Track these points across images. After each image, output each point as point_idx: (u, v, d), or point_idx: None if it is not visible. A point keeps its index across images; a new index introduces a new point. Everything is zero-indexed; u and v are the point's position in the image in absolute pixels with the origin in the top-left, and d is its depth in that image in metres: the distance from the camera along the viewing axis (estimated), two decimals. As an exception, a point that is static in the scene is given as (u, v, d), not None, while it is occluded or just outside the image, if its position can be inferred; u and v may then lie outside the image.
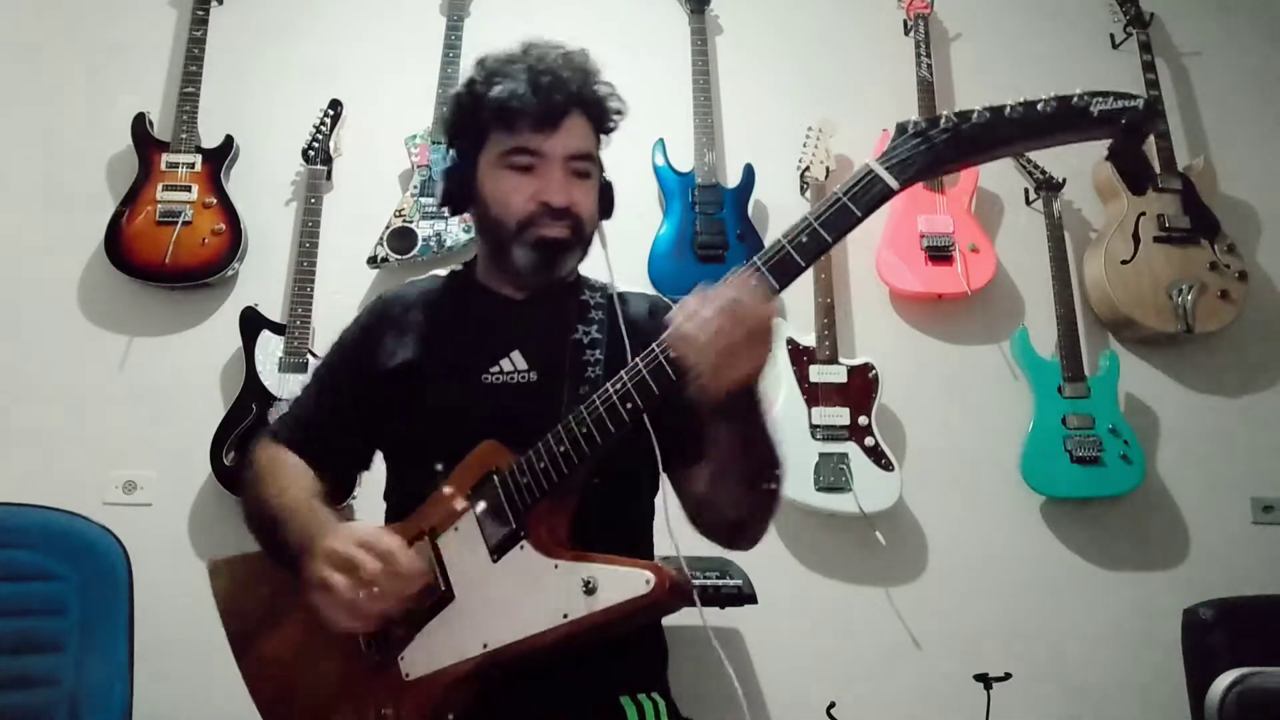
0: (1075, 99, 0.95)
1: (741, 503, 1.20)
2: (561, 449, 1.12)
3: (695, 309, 1.04)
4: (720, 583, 2.17)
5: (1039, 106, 0.96)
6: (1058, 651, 2.52)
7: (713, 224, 2.57)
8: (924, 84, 2.72)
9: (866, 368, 2.53)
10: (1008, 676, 2.25)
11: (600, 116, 1.30)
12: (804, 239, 1.04)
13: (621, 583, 1.08)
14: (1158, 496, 2.65)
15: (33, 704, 1.72)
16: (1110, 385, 2.60)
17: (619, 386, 1.09)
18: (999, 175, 2.79)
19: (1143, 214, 2.69)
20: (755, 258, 1.06)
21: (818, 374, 2.49)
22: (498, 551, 1.15)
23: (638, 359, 1.09)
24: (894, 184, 1.00)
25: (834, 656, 2.47)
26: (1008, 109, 0.97)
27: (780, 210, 2.69)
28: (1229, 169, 2.88)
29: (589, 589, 1.08)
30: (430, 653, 1.15)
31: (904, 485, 2.48)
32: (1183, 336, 2.63)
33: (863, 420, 2.48)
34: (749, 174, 2.66)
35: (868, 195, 1.01)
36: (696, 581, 2.05)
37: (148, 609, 1.86)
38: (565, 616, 1.09)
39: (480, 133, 1.28)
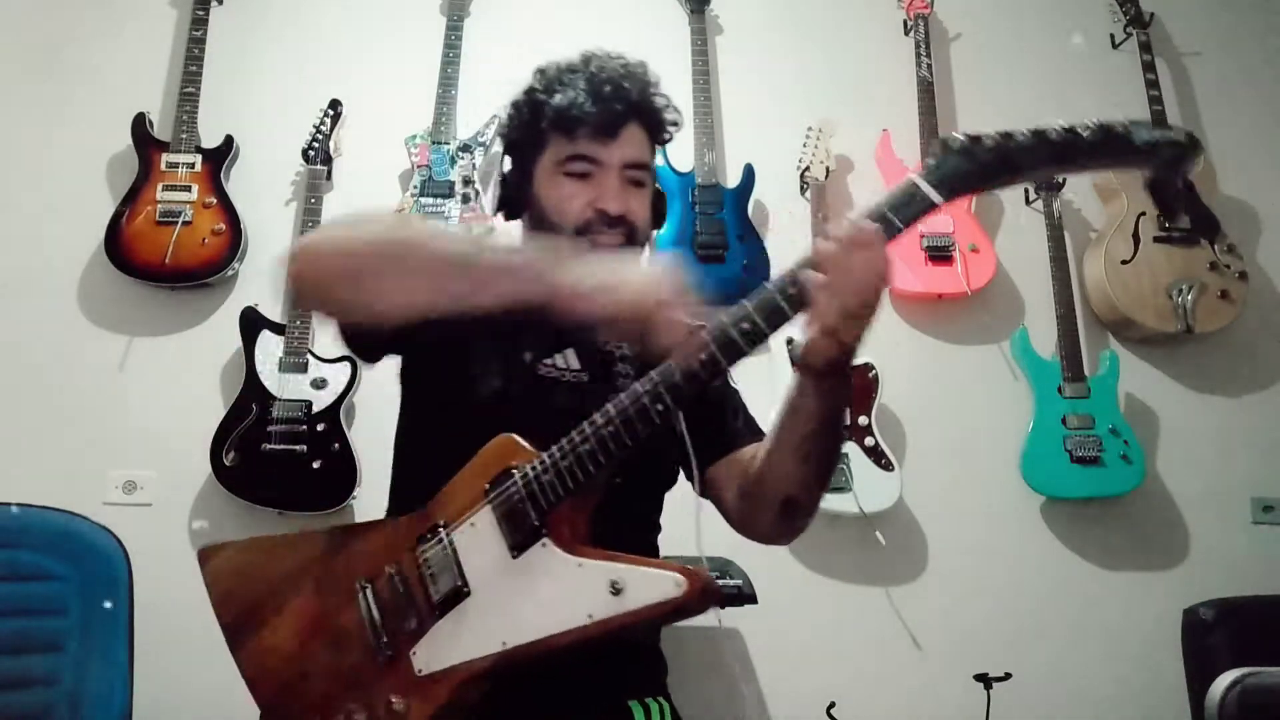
0: (1119, 126, 0.96)
1: (797, 477, 1.17)
2: (587, 448, 1.10)
3: (837, 250, 0.99)
4: (720, 583, 2.17)
5: (1082, 131, 0.96)
6: (1058, 651, 2.52)
7: (713, 224, 2.57)
8: (924, 84, 2.72)
9: (866, 368, 2.52)
10: (1008, 676, 2.25)
11: (657, 127, 1.33)
12: None
13: (651, 585, 1.06)
14: (1158, 496, 2.65)
15: (33, 704, 1.71)
16: (1110, 385, 2.60)
17: (649, 387, 1.08)
18: (999, 175, 2.79)
19: (1143, 214, 2.69)
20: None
21: (818, 374, 2.49)
22: (518, 549, 1.12)
23: (670, 361, 1.08)
24: (938, 199, 1.00)
25: (834, 656, 2.47)
26: (1051, 132, 0.97)
27: (780, 210, 2.69)
28: (1229, 169, 2.88)
29: (616, 590, 1.06)
30: (444, 648, 1.12)
31: (904, 485, 2.48)
32: (1183, 336, 2.63)
33: (863, 420, 2.48)
34: (749, 174, 2.66)
35: (909, 209, 1.01)
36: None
37: (148, 609, 1.86)
38: (590, 617, 1.07)
39: (538, 140, 1.29)
